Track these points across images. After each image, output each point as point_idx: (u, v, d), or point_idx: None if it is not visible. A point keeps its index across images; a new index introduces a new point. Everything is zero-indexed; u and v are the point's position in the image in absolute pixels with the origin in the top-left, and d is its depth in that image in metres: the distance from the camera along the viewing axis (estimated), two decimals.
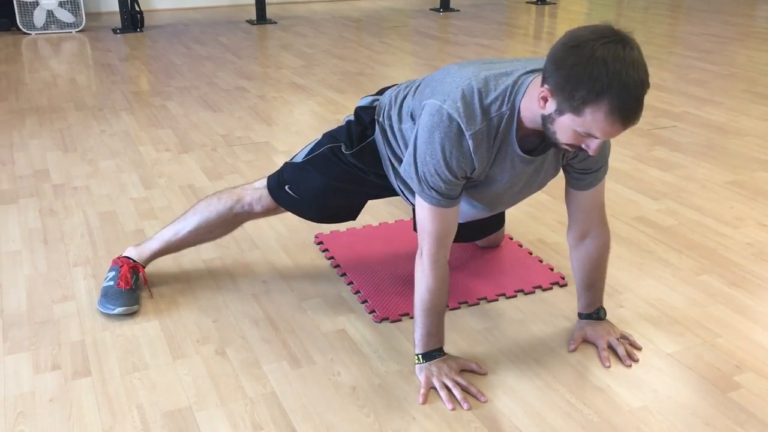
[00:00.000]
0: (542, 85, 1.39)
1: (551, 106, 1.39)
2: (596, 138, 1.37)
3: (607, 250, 1.78)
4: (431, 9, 6.92)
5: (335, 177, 1.87)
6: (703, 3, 7.40)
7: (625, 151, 3.15)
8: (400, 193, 1.85)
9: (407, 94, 1.72)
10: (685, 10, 7.07)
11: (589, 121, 1.34)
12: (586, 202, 1.69)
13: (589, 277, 1.81)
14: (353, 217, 2.02)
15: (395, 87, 1.84)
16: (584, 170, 1.64)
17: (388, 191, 1.89)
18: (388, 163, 1.81)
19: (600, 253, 1.77)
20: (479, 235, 2.21)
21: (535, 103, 1.43)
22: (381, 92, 1.89)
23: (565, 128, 1.39)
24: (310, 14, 6.66)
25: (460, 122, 1.46)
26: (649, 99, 3.89)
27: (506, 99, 1.48)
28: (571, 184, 1.69)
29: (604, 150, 1.64)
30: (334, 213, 2.01)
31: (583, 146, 1.41)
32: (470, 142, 1.48)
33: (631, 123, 1.34)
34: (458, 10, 6.86)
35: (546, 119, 1.42)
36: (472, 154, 1.50)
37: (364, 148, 1.82)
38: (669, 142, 3.28)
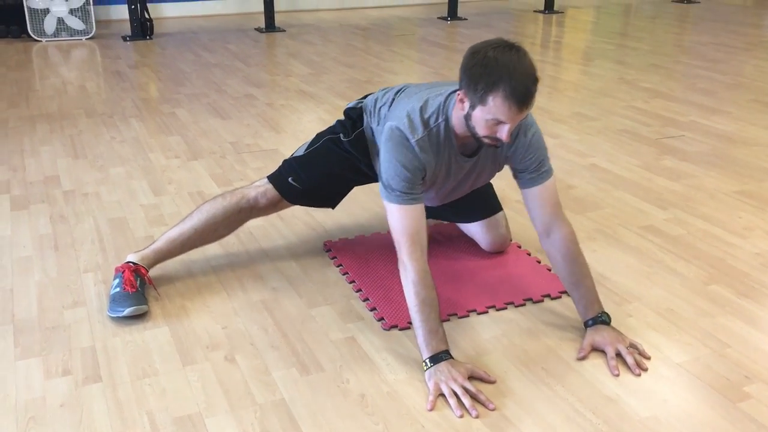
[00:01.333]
0: (459, 90, 1.73)
1: (467, 105, 1.72)
2: (503, 122, 1.67)
3: (573, 240, 1.91)
4: (439, 18, 6.95)
5: (336, 164, 2.13)
6: (710, 12, 7.41)
7: (633, 160, 3.15)
8: (380, 193, 1.97)
9: (384, 103, 2.05)
10: (693, 19, 7.08)
11: (492, 107, 1.65)
12: (536, 199, 1.92)
13: (572, 273, 1.88)
14: (335, 205, 2.26)
15: (375, 93, 2.15)
16: (522, 170, 1.91)
17: (374, 179, 2.15)
18: (374, 151, 2.08)
19: (567, 243, 1.89)
20: (479, 214, 2.27)
21: (459, 110, 1.77)
22: (364, 97, 2.19)
23: (479, 120, 1.70)
24: (318, 22, 6.69)
25: (406, 133, 1.82)
26: (656, 108, 3.93)
27: (440, 112, 1.83)
28: (518, 183, 1.95)
29: (535, 152, 1.89)
30: (327, 198, 2.23)
31: (497, 135, 1.70)
32: (416, 148, 1.81)
33: (525, 106, 1.65)
34: (466, 19, 6.88)
35: (467, 118, 1.74)
36: (419, 156, 1.82)
37: (357, 136, 2.11)
38: (677, 151, 3.28)
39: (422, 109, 1.84)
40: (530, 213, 1.95)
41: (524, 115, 1.69)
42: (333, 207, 2.27)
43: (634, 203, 2.72)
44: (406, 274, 1.78)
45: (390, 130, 1.84)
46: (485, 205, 2.28)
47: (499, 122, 1.68)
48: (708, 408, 1.63)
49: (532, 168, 1.90)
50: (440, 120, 1.83)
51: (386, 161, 1.83)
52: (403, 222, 1.81)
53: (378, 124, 2.04)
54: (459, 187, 2.03)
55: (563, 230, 1.90)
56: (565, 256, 1.89)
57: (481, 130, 1.72)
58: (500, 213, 2.29)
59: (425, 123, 1.83)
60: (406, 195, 1.81)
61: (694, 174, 3.00)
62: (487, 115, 1.67)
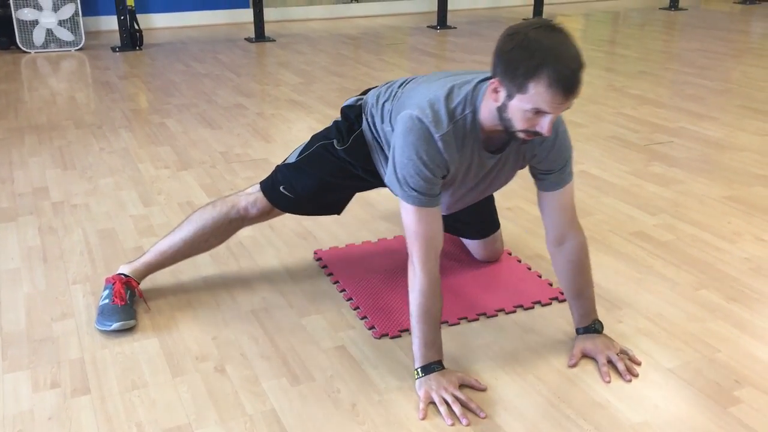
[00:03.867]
0: (492, 78, 1.56)
1: (502, 95, 1.54)
2: (545, 113, 1.51)
3: (585, 251, 1.83)
4: (429, 26, 6.97)
5: (329, 173, 1.99)
6: (698, 19, 7.46)
7: (623, 167, 3.16)
8: (389, 186, 1.88)
9: (387, 98, 1.87)
10: (680, 26, 7.13)
11: (533, 95, 1.48)
12: (555, 204, 1.80)
13: (576, 283, 1.83)
14: (340, 211, 2.13)
15: (377, 88, 1.99)
16: (547, 171, 1.77)
17: (374, 184, 2.03)
18: (376, 155, 1.94)
19: (579, 255, 1.82)
20: (477, 233, 2.23)
21: (491, 101, 1.59)
22: (365, 92, 2.03)
23: (517, 111, 1.53)
24: (308, 32, 6.70)
25: (429, 126, 1.63)
26: (645, 114, 3.95)
27: (467, 102, 1.65)
28: (538, 185, 1.81)
29: (563, 150, 1.76)
30: (326, 206, 2.12)
31: (537, 129, 1.54)
32: (440, 144, 1.64)
33: (571, 93, 1.47)
34: (455, 28, 6.90)
35: (501, 110, 1.56)
36: (443, 154, 1.65)
37: (353, 142, 1.95)
38: (666, 157, 3.29)
39: (447, 99, 1.64)
40: (545, 218, 1.82)
41: (569, 105, 1.51)
42: (338, 213, 2.13)
43: (624, 209, 2.72)
44: (415, 280, 1.68)
45: (410, 120, 1.64)
46: (485, 224, 2.22)
47: (540, 113, 1.51)
48: (698, 413, 1.64)
49: (557, 169, 1.75)
50: (467, 111, 1.64)
51: (404, 156, 1.64)
52: (418, 225, 1.67)
53: (383, 122, 1.86)
54: (475, 188, 1.85)
55: (578, 239, 1.81)
56: (575, 266, 1.81)
57: (518, 123, 1.55)
58: (498, 231, 2.26)
59: (451, 115, 1.64)
60: (425, 197, 1.66)
61: (683, 180, 3.01)
62: (527, 105, 1.50)
